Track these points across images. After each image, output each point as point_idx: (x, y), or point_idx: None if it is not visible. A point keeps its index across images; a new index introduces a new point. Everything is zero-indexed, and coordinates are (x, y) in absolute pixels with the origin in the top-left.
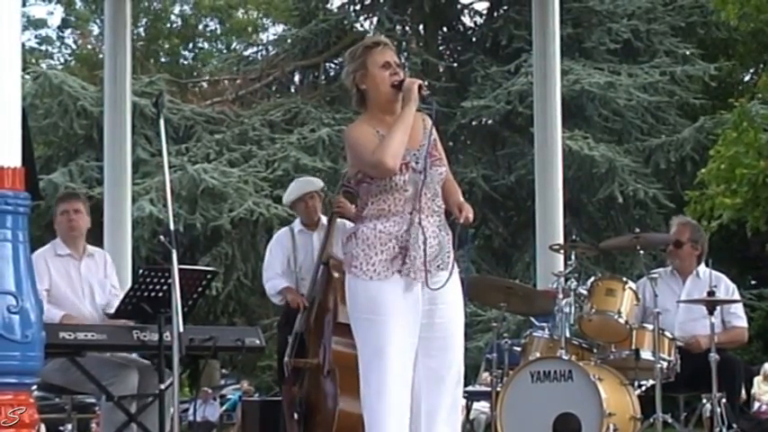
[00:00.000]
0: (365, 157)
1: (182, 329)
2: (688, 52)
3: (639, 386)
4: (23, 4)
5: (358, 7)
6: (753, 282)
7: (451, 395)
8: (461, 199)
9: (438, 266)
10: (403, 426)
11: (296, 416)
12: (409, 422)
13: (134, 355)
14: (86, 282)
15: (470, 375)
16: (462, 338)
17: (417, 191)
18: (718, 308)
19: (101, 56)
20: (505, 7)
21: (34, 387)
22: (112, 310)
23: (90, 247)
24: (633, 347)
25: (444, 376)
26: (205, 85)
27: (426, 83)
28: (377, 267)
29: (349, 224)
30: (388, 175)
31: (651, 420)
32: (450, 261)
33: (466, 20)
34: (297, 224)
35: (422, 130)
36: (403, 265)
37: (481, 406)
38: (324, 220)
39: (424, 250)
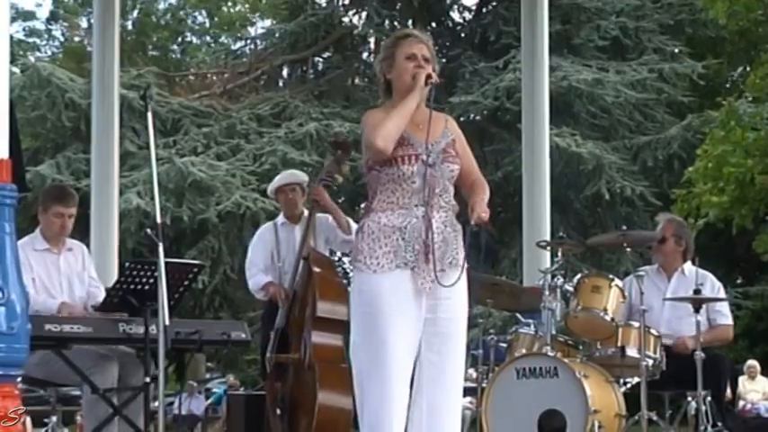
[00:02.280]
0: (363, 137)
1: (167, 323)
2: (676, 50)
3: (625, 383)
4: None
5: (347, 2)
6: (739, 281)
7: (453, 390)
8: (478, 198)
9: (443, 262)
10: (401, 421)
11: (279, 411)
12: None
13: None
14: (65, 276)
15: None
16: (465, 335)
17: (425, 184)
18: (704, 306)
19: (89, 48)
20: (494, 3)
21: (19, 379)
22: (93, 302)
23: (68, 241)
24: (619, 345)
25: (446, 371)
26: (193, 78)
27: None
28: (380, 261)
29: (328, 218)
30: (379, 156)
31: (636, 418)
32: (457, 258)
33: (455, 15)
34: (280, 218)
35: (442, 128)
36: (406, 258)
37: (466, 402)
38: (307, 214)
39: (428, 245)
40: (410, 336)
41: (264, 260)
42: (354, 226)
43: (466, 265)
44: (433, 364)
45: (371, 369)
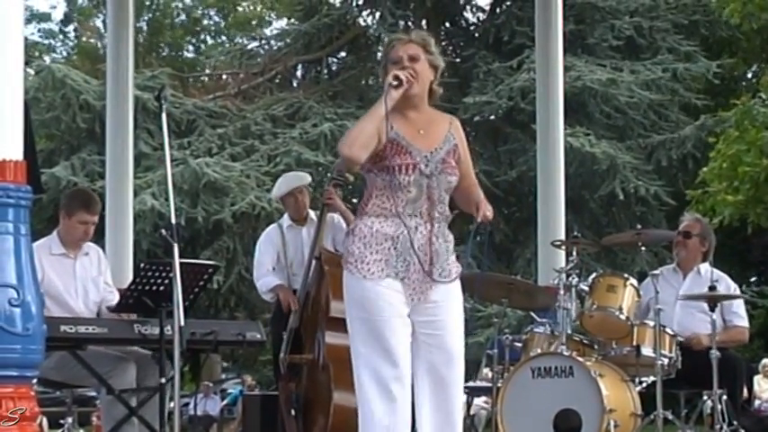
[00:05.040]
0: None
1: (183, 323)
2: (691, 49)
3: (640, 383)
4: None
5: (361, 2)
6: (754, 279)
7: (451, 393)
8: (481, 197)
9: (436, 273)
10: (404, 425)
11: (293, 412)
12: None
13: (134, 347)
14: (80, 281)
15: (471, 371)
16: (462, 337)
17: (421, 194)
18: (719, 306)
19: (103, 50)
20: (508, 3)
21: (35, 380)
22: (107, 305)
23: (85, 244)
24: (634, 344)
25: (443, 374)
26: (207, 79)
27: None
28: (371, 267)
29: (338, 218)
30: (350, 163)
31: (652, 417)
32: (449, 269)
33: (468, 15)
34: (285, 220)
35: (445, 132)
36: (396, 269)
37: (482, 401)
38: (313, 214)
39: (419, 256)
40: (403, 341)
41: (272, 261)
42: None
43: (460, 269)
44: (431, 367)
45: (363, 373)
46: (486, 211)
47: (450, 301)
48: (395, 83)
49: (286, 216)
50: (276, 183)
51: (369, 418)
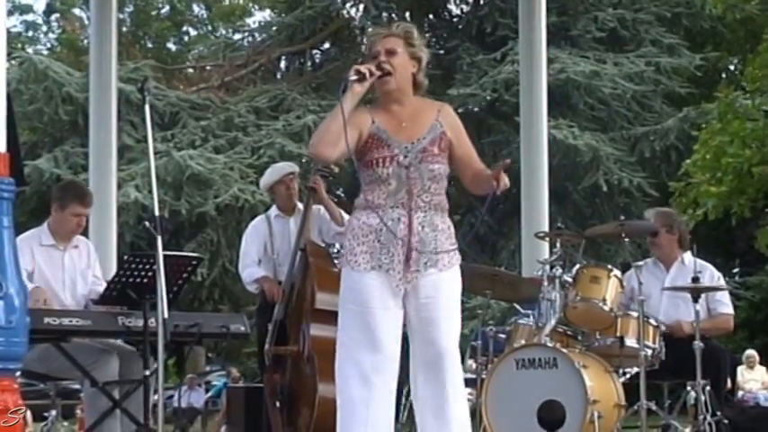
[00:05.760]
0: None
1: (166, 316)
2: (674, 42)
3: (624, 373)
4: None
5: None
6: (737, 270)
7: (447, 385)
8: (488, 172)
9: (421, 263)
10: (383, 412)
11: (278, 404)
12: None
13: (118, 341)
14: (68, 273)
15: None
16: (455, 327)
17: (401, 186)
18: (703, 295)
19: (86, 41)
20: None
21: (18, 373)
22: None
23: (75, 237)
24: (618, 335)
25: (435, 368)
26: (191, 71)
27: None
28: (358, 259)
29: (320, 209)
30: (320, 160)
31: (635, 408)
32: (436, 258)
33: (452, 7)
34: (273, 210)
35: (429, 123)
36: (381, 261)
37: (466, 393)
38: (300, 206)
39: (403, 247)
40: (392, 333)
41: (258, 251)
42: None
43: (459, 259)
44: (423, 361)
45: (347, 363)
46: (504, 181)
47: (442, 298)
48: (354, 77)
49: (274, 207)
50: (265, 174)
51: (347, 404)
